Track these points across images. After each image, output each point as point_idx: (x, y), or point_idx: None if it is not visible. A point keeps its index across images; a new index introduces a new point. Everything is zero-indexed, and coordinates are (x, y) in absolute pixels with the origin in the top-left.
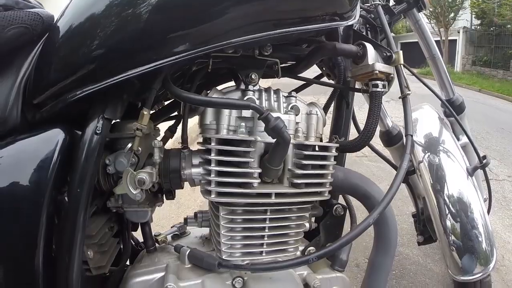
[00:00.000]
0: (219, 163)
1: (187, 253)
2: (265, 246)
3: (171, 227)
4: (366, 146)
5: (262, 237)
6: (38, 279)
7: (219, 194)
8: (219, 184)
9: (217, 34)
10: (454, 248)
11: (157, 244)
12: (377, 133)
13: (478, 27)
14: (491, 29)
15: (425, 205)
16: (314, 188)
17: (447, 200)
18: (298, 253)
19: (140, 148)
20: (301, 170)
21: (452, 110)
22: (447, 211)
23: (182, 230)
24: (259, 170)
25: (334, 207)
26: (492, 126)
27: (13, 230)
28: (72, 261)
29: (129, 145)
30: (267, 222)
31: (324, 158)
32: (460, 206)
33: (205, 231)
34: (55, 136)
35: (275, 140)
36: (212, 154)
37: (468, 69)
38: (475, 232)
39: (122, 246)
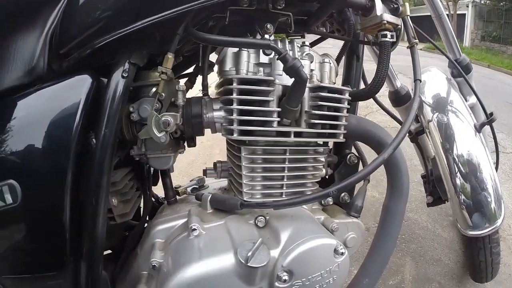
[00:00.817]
0: (241, 102)
1: (209, 198)
2: (284, 188)
3: (190, 181)
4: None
5: (282, 178)
6: (65, 221)
7: (241, 133)
8: (241, 122)
9: None
10: (464, 207)
11: (177, 196)
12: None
13: (488, 2)
14: (501, 4)
15: (435, 166)
16: (330, 129)
17: (457, 159)
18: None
19: (163, 94)
20: (317, 111)
21: (461, 69)
22: (456, 170)
23: (200, 183)
24: (279, 109)
25: (348, 156)
26: (500, 101)
27: (43, 173)
28: (99, 205)
29: (153, 89)
30: (286, 162)
31: (338, 101)
32: (470, 165)
33: (223, 183)
34: (82, 81)
35: (292, 81)
36: (234, 94)
37: (477, 45)
38: (484, 191)
39: (142, 201)
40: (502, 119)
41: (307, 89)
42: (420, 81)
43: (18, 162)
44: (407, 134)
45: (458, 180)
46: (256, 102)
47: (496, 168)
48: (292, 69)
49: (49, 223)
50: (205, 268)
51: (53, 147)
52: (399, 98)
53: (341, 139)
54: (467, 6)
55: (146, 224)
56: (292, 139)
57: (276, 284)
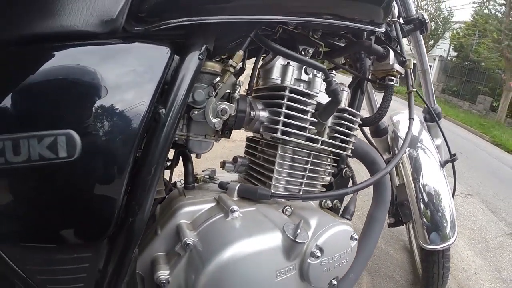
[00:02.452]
0: (287, 108)
1: (237, 187)
2: (303, 186)
3: (202, 171)
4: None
5: (302, 177)
6: (121, 188)
7: (282, 133)
8: (284, 124)
9: (301, 11)
10: (425, 226)
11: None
12: None
13: (454, 59)
14: (466, 63)
15: (400, 192)
16: (343, 144)
17: (422, 188)
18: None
19: (221, 85)
20: (339, 127)
21: (435, 115)
22: (421, 197)
23: (213, 174)
24: (315, 120)
25: (344, 170)
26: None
27: (112, 130)
28: (156, 175)
29: (218, 78)
30: (309, 164)
31: (352, 122)
32: (432, 193)
33: (233, 178)
34: (163, 52)
35: (329, 100)
36: (285, 100)
37: (437, 96)
38: (441, 215)
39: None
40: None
41: None
42: (413, 119)
43: (83, 114)
44: None
45: (422, 205)
46: (298, 110)
47: (453, 195)
48: (333, 92)
49: (104, 188)
50: (253, 244)
51: (127, 107)
52: (378, 131)
53: (349, 153)
54: (434, 59)
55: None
56: (319, 146)
57: (308, 260)
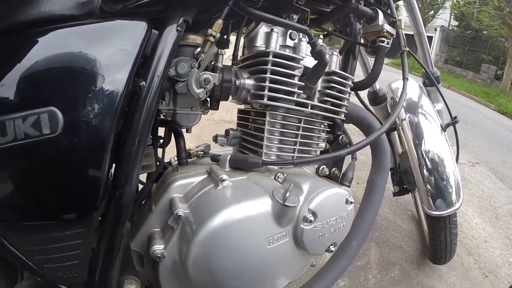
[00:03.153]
0: (272, 73)
1: (229, 157)
2: (296, 153)
3: (197, 147)
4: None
5: (294, 143)
6: (105, 161)
7: (269, 99)
8: (271, 90)
9: None
10: (429, 193)
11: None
12: None
13: (455, 28)
14: (468, 32)
15: (403, 160)
16: (336, 107)
17: (425, 154)
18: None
19: (203, 56)
20: (329, 90)
21: (433, 79)
22: (424, 163)
23: (207, 149)
24: (302, 83)
25: (340, 137)
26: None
27: (93, 105)
28: (140, 147)
29: (198, 49)
30: (300, 130)
31: (344, 85)
32: (435, 159)
33: (226, 152)
34: (140, 26)
35: (316, 62)
36: (269, 65)
37: (440, 66)
38: (446, 180)
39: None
40: (458, 134)
41: None
42: (408, 79)
43: (64, 91)
44: None
45: (425, 171)
46: (284, 75)
47: (457, 161)
48: (319, 54)
49: (87, 162)
50: (242, 211)
51: (106, 83)
52: (376, 99)
53: (342, 117)
54: (435, 30)
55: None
56: (309, 110)
57: (301, 225)
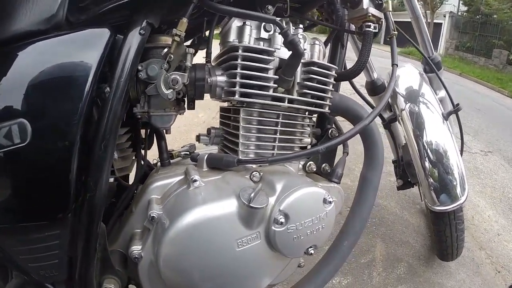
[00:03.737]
0: (243, 68)
1: (206, 157)
2: (275, 149)
3: (182, 147)
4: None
5: (274, 140)
6: (72, 166)
7: (242, 95)
8: (242, 85)
9: None
10: (432, 187)
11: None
12: None
13: (465, 14)
14: (477, 17)
15: (405, 152)
16: (318, 100)
17: (426, 145)
18: (300, 166)
19: (172, 56)
20: (308, 82)
21: (433, 65)
22: (426, 155)
23: (192, 149)
24: (276, 77)
25: (330, 130)
26: (469, 106)
27: (56, 115)
28: (107, 151)
29: (165, 50)
30: (278, 126)
31: (326, 76)
32: (438, 150)
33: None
34: (102, 34)
35: (290, 53)
36: (239, 60)
37: (451, 53)
38: (449, 173)
39: (136, 164)
40: (470, 122)
41: (300, 64)
42: (397, 65)
43: (31, 103)
44: (381, 121)
45: (427, 164)
46: (257, 69)
47: (461, 153)
48: (291, 43)
49: (56, 167)
50: (208, 212)
51: (68, 91)
52: (375, 88)
53: (327, 110)
54: (444, 16)
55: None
56: (286, 104)
57: (273, 227)
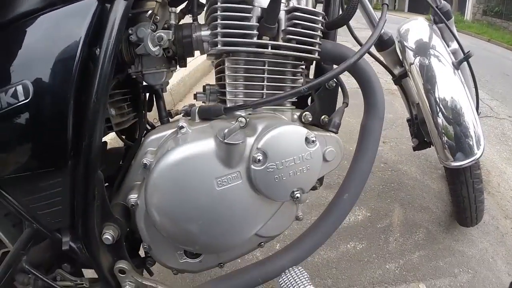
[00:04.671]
0: (224, 19)
1: (197, 109)
2: (265, 97)
3: (182, 107)
4: None
5: (262, 88)
6: (69, 119)
7: (225, 45)
8: (224, 35)
9: None
10: (446, 142)
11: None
12: None
13: None
14: None
15: (419, 109)
16: (305, 46)
17: (438, 100)
18: (295, 116)
19: (158, 17)
20: (292, 28)
21: (441, 15)
22: (438, 110)
23: (188, 111)
24: (257, 24)
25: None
26: (497, 72)
27: (53, 75)
28: (99, 104)
29: (149, 12)
30: (265, 73)
31: (312, 22)
32: (450, 104)
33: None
34: (89, 4)
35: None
36: (219, 11)
37: (479, 19)
38: (463, 128)
39: (138, 124)
40: (498, 88)
41: (284, 12)
42: (387, 6)
43: (32, 67)
44: (391, 77)
45: (440, 119)
46: (237, 18)
47: (477, 108)
48: None
49: (55, 119)
50: (187, 151)
51: (62, 55)
52: (383, 43)
53: (316, 56)
54: None
55: None
56: (270, 51)
57: (252, 166)
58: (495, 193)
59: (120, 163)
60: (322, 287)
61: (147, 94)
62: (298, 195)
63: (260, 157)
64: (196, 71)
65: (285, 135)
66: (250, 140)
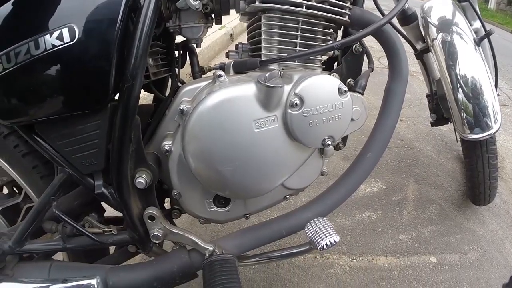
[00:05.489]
0: None
1: (232, 63)
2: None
3: (214, 65)
4: None
5: (295, 44)
6: (112, 60)
7: (262, 2)
8: None
9: None
10: (465, 117)
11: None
12: None
13: None
14: None
15: (439, 86)
16: (336, 8)
17: (459, 75)
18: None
19: None
20: None
21: None
22: (459, 85)
23: (222, 65)
24: None
25: (354, 45)
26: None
27: (98, 19)
28: (142, 47)
29: None
30: (298, 31)
31: None
32: (471, 80)
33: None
34: None
35: None
36: None
37: (503, 8)
38: (482, 103)
39: (171, 78)
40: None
41: None
42: None
43: (78, 10)
44: (413, 52)
45: (460, 95)
46: None
47: (496, 85)
48: None
49: (98, 61)
50: (227, 94)
51: (108, 1)
52: (406, 18)
53: (346, 19)
54: None
55: None
56: (304, 10)
57: (289, 110)
58: (508, 179)
59: (149, 120)
60: (336, 253)
61: (180, 49)
62: (329, 142)
63: (297, 102)
64: (215, 45)
65: (321, 83)
66: (287, 87)
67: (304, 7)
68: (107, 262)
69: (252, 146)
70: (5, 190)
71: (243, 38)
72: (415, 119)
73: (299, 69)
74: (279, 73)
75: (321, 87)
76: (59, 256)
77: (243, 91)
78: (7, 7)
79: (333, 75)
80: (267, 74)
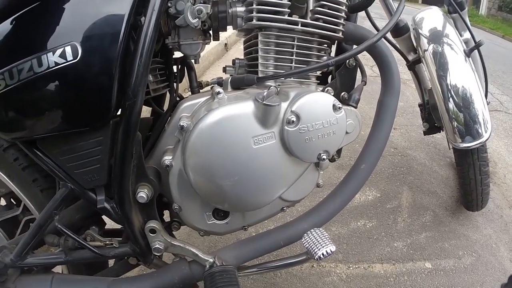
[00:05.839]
0: None
1: (229, 79)
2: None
3: (211, 80)
4: None
5: (291, 61)
6: (114, 79)
7: (259, 20)
8: (259, 11)
9: None
10: (456, 127)
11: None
12: None
13: None
14: None
15: (431, 96)
16: (330, 25)
17: (450, 85)
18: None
19: None
20: (320, 8)
21: (455, 5)
22: (449, 96)
23: (220, 81)
24: (289, 3)
25: (347, 60)
26: (509, 68)
27: (101, 37)
28: (143, 65)
29: None
30: (294, 48)
31: (337, 4)
32: (461, 89)
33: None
34: None
35: None
36: None
37: (493, 14)
38: (472, 113)
39: (170, 93)
40: (509, 83)
41: None
42: None
43: (81, 29)
44: (405, 63)
45: (451, 105)
46: None
47: (486, 95)
48: None
49: (101, 79)
50: (227, 111)
51: (111, 20)
52: (398, 29)
53: (340, 35)
54: None
55: None
56: (300, 28)
57: (286, 127)
58: (501, 184)
59: (148, 133)
60: (333, 261)
61: (178, 64)
62: (325, 156)
63: (294, 119)
64: (209, 54)
65: (316, 100)
66: (284, 105)
67: (300, 24)
68: (107, 275)
69: (251, 161)
70: (3, 202)
71: (237, 48)
72: (408, 127)
73: (295, 85)
74: (276, 90)
75: (316, 104)
76: (58, 268)
77: (241, 109)
78: (10, 23)
79: (327, 90)
80: (265, 93)
